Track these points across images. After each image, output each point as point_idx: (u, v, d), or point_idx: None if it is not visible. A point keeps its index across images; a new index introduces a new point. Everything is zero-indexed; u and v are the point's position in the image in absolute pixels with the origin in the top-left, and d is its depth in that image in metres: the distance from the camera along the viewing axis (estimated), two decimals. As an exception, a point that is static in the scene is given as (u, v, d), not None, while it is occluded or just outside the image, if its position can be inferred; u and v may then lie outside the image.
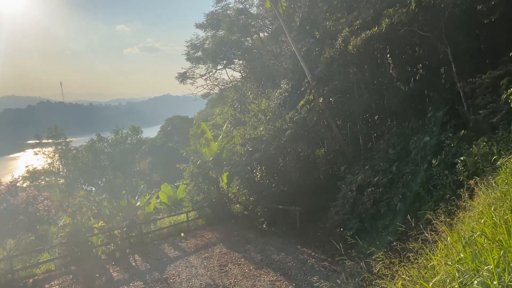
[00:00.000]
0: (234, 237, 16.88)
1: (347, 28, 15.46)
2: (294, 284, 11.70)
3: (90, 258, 15.75)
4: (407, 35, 14.93)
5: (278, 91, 19.84)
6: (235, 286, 12.05)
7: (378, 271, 4.86)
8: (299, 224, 16.53)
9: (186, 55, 34.84)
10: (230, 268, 13.42)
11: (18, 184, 16.09)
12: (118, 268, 14.53)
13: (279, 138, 17.62)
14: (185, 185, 22.93)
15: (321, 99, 16.86)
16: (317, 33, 18.67)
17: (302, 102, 17.47)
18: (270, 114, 18.75)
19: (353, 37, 14.80)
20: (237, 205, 21.00)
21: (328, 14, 17.98)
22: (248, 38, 32.27)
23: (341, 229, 13.46)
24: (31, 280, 13.91)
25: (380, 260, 4.89)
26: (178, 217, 19.93)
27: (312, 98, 17.30)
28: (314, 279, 11.30)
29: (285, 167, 17.68)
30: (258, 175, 18.37)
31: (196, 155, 21.14)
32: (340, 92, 17.76)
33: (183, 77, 36.41)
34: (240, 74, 35.65)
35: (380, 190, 12.99)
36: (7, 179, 16.48)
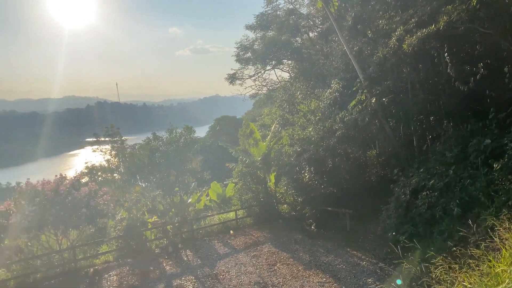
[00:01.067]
0: (282, 237, 16.96)
1: (401, 27, 15.03)
2: (343, 287, 11.58)
3: (144, 251, 16.49)
4: (466, 32, 14.24)
5: (328, 91, 19.65)
6: (283, 285, 12.13)
7: (436, 276, 4.74)
8: (349, 226, 16.29)
9: (236, 56, 35.37)
10: (278, 268, 13.52)
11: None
12: (170, 262, 15.10)
13: (329, 139, 17.46)
14: (234, 184, 23.33)
15: (374, 99, 16.51)
16: (369, 32, 18.28)
17: (353, 102, 17.21)
18: (320, 114, 18.62)
19: (408, 35, 14.36)
20: (285, 206, 21.06)
21: (381, 13, 17.56)
22: (297, 38, 32.20)
23: (393, 233, 13.11)
24: (91, 270, 14.81)
25: (439, 265, 4.77)
26: (227, 215, 20.32)
27: (364, 98, 16.99)
28: (369, 281, 11.12)
29: (334, 168, 17.49)
30: (306, 176, 18.31)
31: (244, 155, 21.46)
32: (393, 92, 17.28)
33: (232, 78, 37.00)
34: (288, 74, 35.67)
35: (436, 194, 12.49)
36: (69, 174, 17.59)
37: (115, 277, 14.03)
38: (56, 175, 15.78)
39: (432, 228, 12.02)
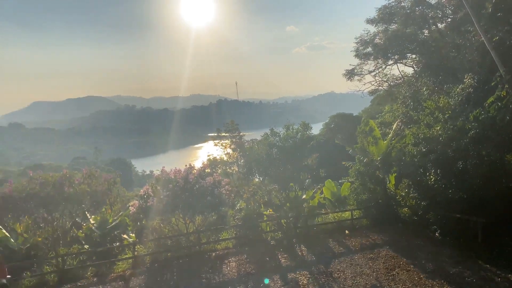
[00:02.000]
0: (401, 242, 15.99)
1: (558, 10, 12.85)
2: (474, 303, 10.46)
3: (260, 242, 17.17)
4: None
5: (460, 87, 17.81)
6: (403, 292, 11.46)
7: None
8: (481, 237, 14.59)
9: (355, 52, 34.28)
10: (397, 273, 12.80)
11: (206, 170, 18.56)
12: (285, 255, 15.43)
13: (460, 139, 15.82)
14: (350, 183, 22.77)
15: (517, 95, 14.46)
16: (513, 19, 16.05)
17: (491, 99, 15.31)
18: (449, 112, 16.99)
19: None
20: (405, 209, 19.78)
21: (530, -4, 15.28)
22: (424, 31, 29.83)
23: (539, 249, 11.35)
24: (213, 254, 15.97)
25: None
26: (342, 214, 19.94)
27: (504, 94, 14.99)
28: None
29: (465, 172, 15.80)
30: (432, 179, 16.90)
31: (362, 153, 20.76)
32: (543, 87, 14.90)
33: (350, 74, 35.95)
34: (413, 69, 33.30)
35: None
36: (195, 164, 19.11)
37: (234, 263, 14.90)
38: (185, 165, 17.38)
39: None
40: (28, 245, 16.46)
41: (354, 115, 62.45)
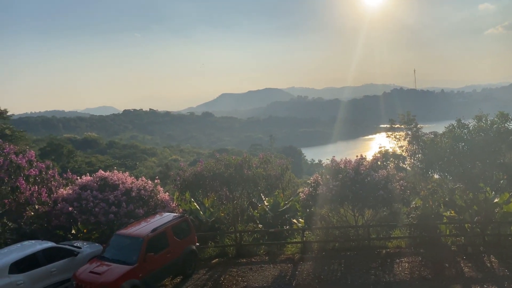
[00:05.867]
0: None
1: None
2: None
3: (438, 245, 15.47)
4: None
5: None
6: None
7: None
8: None
9: None
10: None
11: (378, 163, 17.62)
12: (469, 264, 13.47)
13: None
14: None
15: None
16: None
17: None
18: None
19: None
20: None
21: None
22: None
23: None
24: (383, 251, 15.11)
25: None
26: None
27: None
28: None
29: None
30: None
31: None
32: None
33: None
34: None
35: None
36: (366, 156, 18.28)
37: (406, 264, 13.79)
38: (356, 156, 16.86)
39: None
40: (213, 218, 18.69)
41: None
